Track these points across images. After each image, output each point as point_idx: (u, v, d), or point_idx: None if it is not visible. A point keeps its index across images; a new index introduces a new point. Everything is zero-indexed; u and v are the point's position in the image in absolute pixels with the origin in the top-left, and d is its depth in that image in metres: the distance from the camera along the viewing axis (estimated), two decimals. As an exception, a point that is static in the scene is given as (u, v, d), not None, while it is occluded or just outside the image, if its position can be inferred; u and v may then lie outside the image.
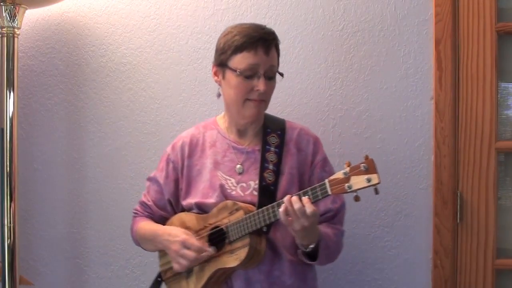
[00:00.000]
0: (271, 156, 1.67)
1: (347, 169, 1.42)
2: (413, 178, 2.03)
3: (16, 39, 1.98)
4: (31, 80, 2.18)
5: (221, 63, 1.65)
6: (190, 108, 2.12)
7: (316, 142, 1.74)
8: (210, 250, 1.59)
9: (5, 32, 1.96)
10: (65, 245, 2.18)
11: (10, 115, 1.97)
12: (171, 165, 1.75)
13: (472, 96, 1.99)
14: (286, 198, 1.48)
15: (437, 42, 2.00)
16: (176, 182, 1.75)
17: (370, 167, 1.40)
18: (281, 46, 2.06)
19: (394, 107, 2.04)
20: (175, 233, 1.65)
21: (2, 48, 1.97)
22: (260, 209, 1.56)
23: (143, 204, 1.80)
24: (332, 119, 2.06)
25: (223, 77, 1.65)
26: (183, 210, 1.74)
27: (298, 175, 1.68)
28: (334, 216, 1.69)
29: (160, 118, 2.13)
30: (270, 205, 1.54)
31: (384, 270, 2.05)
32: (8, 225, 1.95)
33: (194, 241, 1.60)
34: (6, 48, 1.97)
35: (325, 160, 1.74)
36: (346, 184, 1.42)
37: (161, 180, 1.76)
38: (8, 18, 1.95)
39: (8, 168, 1.96)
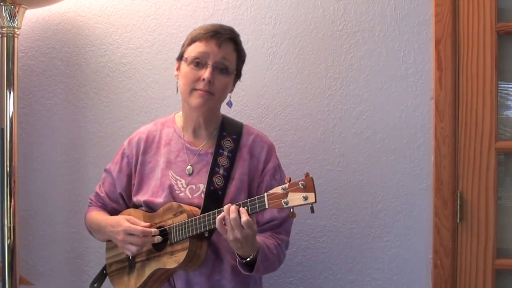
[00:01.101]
0: (223, 161, 1.67)
1: (286, 184, 1.43)
2: (413, 178, 2.03)
3: (16, 39, 1.98)
4: (31, 80, 2.18)
5: (179, 56, 1.69)
6: (190, 108, 2.12)
7: (270, 150, 1.73)
8: (154, 230, 1.60)
9: (5, 32, 1.96)
10: (65, 245, 2.18)
11: (10, 115, 1.97)
12: (125, 160, 1.76)
13: (472, 96, 1.99)
14: (225, 207, 1.47)
15: (437, 42, 1.99)
16: (129, 177, 1.75)
17: (308, 185, 1.40)
18: (281, 46, 2.07)
19: (394, 107, 2.04)
20: (117, 222, 1.65)
21: (2, 48, 1.97)
22: (202, 214, 1.55)
23: (97, 194, 1.82)
24: (332, 119, 2.06)
25: (178, 69, 1.69)
26: (135, 205, 1.75)
27: (248, 181, 1.68)
28: (279, 225, 1.68)
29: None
30: (212, 211, 1.54)
31: (384, 270, 2.05)
32: (8, 225, 1.95)
33: (136, 227, 1.61)
34: (6, 48, 1.97)
35: (276, 169, 1.72)
36: (283, 200, 1.42)
37: (114, 173, 1.77)
38: (8, 18, 1.95)
39: (8, 168, 1.96)
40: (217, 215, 1.50)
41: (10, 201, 1.96)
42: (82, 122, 2.17)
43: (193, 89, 1.63)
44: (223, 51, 1.63)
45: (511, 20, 2.00)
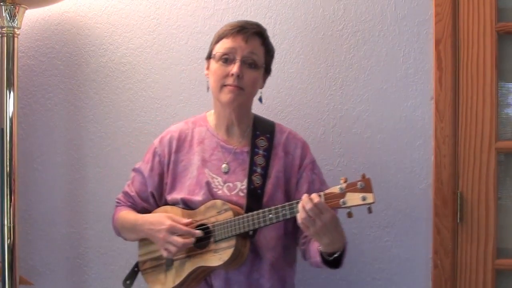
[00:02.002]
0: (260, 159, 1.68)
1: (344, 185, 1.44)
2: (413, 178, 2.03)
3: (16, 39, 1.98)
4: (31, 80, 2.18)
5: (208, 55, 1.71)
6: (190, 108, 2.12)
7: (304, 146, 1.75)
8: (198, 232, 1.59)
9: (5, 32, 1.96)
10: (65, 245, 2.18)
11: (10, 115, 1.97)
12: (157, 158, 1.75)
13: (472, 96, 1.99)
14: (304, 199, 1.45)
15: (437, 42, 1.99)
16: (161, 176, 1.75)
17: (366, 186, 1.43)
18: (281, 46, 2.07)
19: (394, 107, 2.04)
20: (158, 220, 1.64)
21: (2, 48, 1.97)
22: (250, 213, 1.56)
23: (126, 194, 1.80)
24: (332, 119, 2.06)
25: (208, 67, 1.71)
26: (166, 204, 1.74)
27: (284, 178, 1.69)
28: None
29: (160, 118, 2.13)
30: (261, 210, 1.55)
31: (384, 270, 2.05)
32: (8, 225, 1.95)
33: (180, 226, 1.60)
34: (6, 48, 1.97)
35: (313, 163, 1.74)
36: (341, 200, 1.44)
37: (145, 172, 1.76)
38: (8, 18, 1.95)
39: (8, 168, 1.96)
40: (267, 214, 1.52)
41: (10, 201, 1.96)
42: (82, 122, 2.17)
43: (223, 85, 1.64)
44: (250, 46, 1.64)
45: (511, 20, 2.00)
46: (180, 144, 1.74)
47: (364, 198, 1.42)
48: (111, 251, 2.16)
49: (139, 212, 1.77)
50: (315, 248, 1.59)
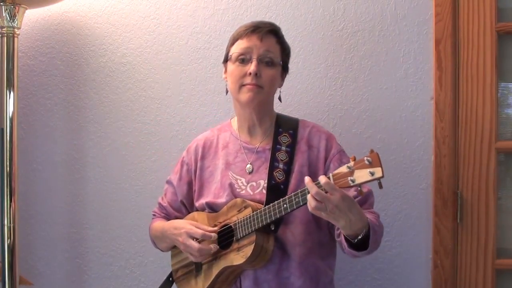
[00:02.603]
0: (282, 155, 1.67)
1: (352, 163, 1.39)
2: (413, 178, 2.03)
3: (16, 39, 1.98)
4: (31, 80, 2.18)
5: (225, 58, 1.71)
6: (190, 108, 2.12)
7: (329, 138, 1.72)
8: (213, 235, 1.60)
9: (5, 32, 1.96)
10: (65, 245, 2.18)
11: (10, 115, 1.97)
12: (185, 167, 1.78)
13: (472, 96, 1.99)
14: (307, 183, 1.40)
15: (437, 42, 1.99)
16: (190, 184, 1.77)
17: (374, 161, 1.35)
18: (281, 46, 2.07)
19: (394, 107, 2.04)
20: (179, 225, 1.67)
21: (2, 48, 1.97)
22: (266, 206, 1.54)
23: (160, 205, 1.84)
24: (332, 119, 2.06)
25: (226, 71, 1.70)
26: (197, 210, 1.75)
27: (309, 172, 1.65)
28: (365, 201, 1.64)
29: (160, 118, 2.13)
30: (276, 202, 1.52)
31: (384, 270, 2.05)
32: (8, 225, 1.95)
33: (197, 229, 1.61)
34: (6, 48, 1.97)
35: (341, 153, 1.70)
36: (350, 178, 1.38)
37: (175, 182, 1.79)
38: (8, 18, 1.95)
39: (8, 168, 1.96)
40: (282, 204, 1.49)
41: (10, 201, 1.96)
42: (82, 122, 2.17)
43: (242, 85, 1.64)
44: (266, 44, 1.65)
45: (511, 20, 2.00)
46: (206, 151, 1.76)
47: (372, 173, 1.35)
48: (111, 251, 2.16)
49: None
50: (342, 233, 1.54)
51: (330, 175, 1.42)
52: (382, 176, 1.35)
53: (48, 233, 2.18)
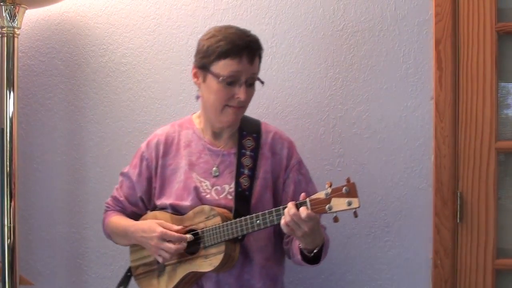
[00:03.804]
0: (247, 161, 1.67)
1: (329, 190, 1.44)
2: (413, 178, 2.03)
3: (16, 39, 1.98)
4: (31, 80, 2.18)
5: (203, 66, 1.62)
6: (190, 108, 2.12)
7: (290, 146, 1.74)
8: (189, 236, 1.60)
9: (5, 32, 1.96)
10: (65, 245, 2.18)
11: (10, 115, 1.97)
12: (144, 163, 1.75)
13: (472, 96, 1.99)
14: (286, 211, 1.47)
15: (437, 42, 1.99)
16: (149, 180, 1.74)
17: (351, 191, 1.43)
18: (281, 46, 2.07)
19: (394, 107, 2.04)
20: (149, 228, 1.63)
21: (2, 48, 1.97)
22: (239, 219, 1.56)
23: (115, 198, 1.80)
24: (332, 119, 2.06)
25: (203, 80, 1.64)
26: (155, 207, 1.74)
27: (272, 179, 1.69)
28: None
29: (160, 118, 2.13)
30: (248, 216, 1.55)
31: (384, 270, 2.05)
32: (8, 225, 1.95)
33: (171, 232, 1.60)
34: (6, 48, 1.97)
35: (300, 164, 1.74)
36: (327, 205, 1.44)
37: (133, 177, 1.75)
38: (8, 18, 1.95)
39: (8, 168, 1.96)
40: (255, 220, 1.53)
41: (10, 201, 1.96)
42: (82, 122, 2.17)
43: (226, 105, 1.61)
44: (254, 67, 1.62)
45: (511, 20, 2.00)
46: (167, 147, 1.73)
47: (349, 203, 1.42)
48: (111, 251, 2.16)
49: (128, 216, 1.77)
50: (296, 246, 1.61)
51: (307, 200, 1.47)
52: (359, 206, 1.42)
53: (48, 233, 2.18)
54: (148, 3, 2.14)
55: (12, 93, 1.97)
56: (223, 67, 1.58)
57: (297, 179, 1.71)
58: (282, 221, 1.47)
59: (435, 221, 2.00)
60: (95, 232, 2.16)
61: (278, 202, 1.71)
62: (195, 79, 1.67)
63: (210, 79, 1.61)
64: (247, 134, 1.71)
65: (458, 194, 1.99)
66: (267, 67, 2.07)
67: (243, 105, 1.64)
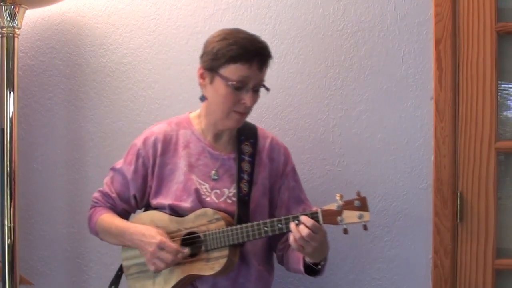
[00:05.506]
0: (246, 166, 1.67)
1: (341, 202, 1.47)
2: (413, 178, 2.03)
3: (16, 39, 1.98)
4: (31, 80, 2.18)
5: (211, 68, 1.60)
6: (190, 108, 2.11)
7: (286, 153, 1.75)
8: (186, 251, 1.58)
9: (5, 32, 1.96)
10: (65, 245, 2.18)
11: (10, 115, 1.97)
12: (140, 160, 1.71)
13: (472, 96, 1.99)
14: (293, 227, 1.48)
15: (437, 42, 1.99)
16: (145, 178, 1.71)
17: (363, 205, 1.48)
18: (281, 46, 2.08)
19: (394, 107, 2.04)
20: (149, 233, 1.60)
21: (2, 48, 1.97)
22: (245, 225, 1.56)
23: (105, 194, 1.76)
24: (332, 119, 2.06)
25: (210, 82, 1.62)
26: (148, 206, 1.72)
27: (269, 185, 1.70)
28: None
29: (160, 118, 2.12)
30: (255, 222, 1.55)
31: (384, 270, 2.05)
32: (8, 225, 1.95)
33: (170, 243, 1.58)
34: (6, 48, 1.97)
35: (294, 170, 1.76)
36: (339, 217, 1.48)
37: (128, 174, 1.72)
38: (8, 18, 1.95)
39: (8, 168, 1.96)
40: (262, 227, 1.53)
41: (10, 201, 1.96)
42: (82, 122, 2.17)
43: (232, 110, 1.61)
44: (263, 74, 1.61)
45: (511, 20, 2.00)
46: (165, 146, 1.70)
47: (361, 216, 1.47)
48: (111, 251, 2.15)
49: (118, 214, 1.73)
50: (297, 256, 1.61)
51: (319, 210, 1.49)
52: (369, 220, 1.47)
53: (48, 233, 2.18)
54: (148, 3, 2.14)
55: (12, 93, 1.97)
56: (232, 71, 1.57)
57: (291, 185, 1.73)
58: (291, 238, 1.47)
59: (435, 221, 2.00)
60: (95, 232, 2.16)
61: (273, 207, 1.72)
62: (201, 80, 1.65)
63: (218, 82, 1.60)
64: (245, 139, 1.70)
65: (458, 194, 1.99)
66: (267, 67, 2.08)
67: (248, 111, 1.64)
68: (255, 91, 1.62)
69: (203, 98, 1.67)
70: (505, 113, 2.05)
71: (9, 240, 1.95)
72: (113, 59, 2.16)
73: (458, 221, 1.99)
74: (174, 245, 1.57)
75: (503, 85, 2.04)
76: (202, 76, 1.65)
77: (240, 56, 1.56)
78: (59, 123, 2.18)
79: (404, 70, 2.03)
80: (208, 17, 2.11)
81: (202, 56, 1.64)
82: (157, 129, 1.74)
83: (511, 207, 2.05)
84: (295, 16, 2.08)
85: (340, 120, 2.06)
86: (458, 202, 1.99)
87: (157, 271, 1.61)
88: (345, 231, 1.49)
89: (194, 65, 2.10)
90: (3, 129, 1.96)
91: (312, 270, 1.59)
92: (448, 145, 1.99)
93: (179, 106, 2.13)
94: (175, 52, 2.13)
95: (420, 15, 2.02)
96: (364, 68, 2.05)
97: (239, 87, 1.58)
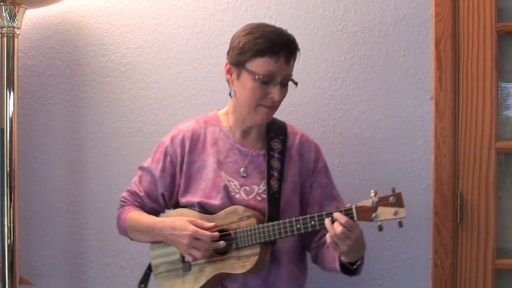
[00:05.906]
0: (275, 163, 1.65)
1: (375, 198, 1.45)
2: (413, 178, 2.03)
3: (16, 39, 1.98)
4: (31, 80, 2.18)
5: (237, 63, 1.59)
6: (190, 108, 2.12)
7: (317, 149, 1.74)
8: (222, 243, 1.57)
9: (5, 32, 1.96)
10: (65, 245, 2.18)
11: (10, 115, 1.97)
12: (168, 158, 1.70)
13: (472, 96, 1.99)
14: (328, 225, 1.46)
15: (437, 42, 2.00)
16: (173, 176, 1.70)
17: (398, 201, 1.45)
18: (281, 46, 2.07)
19: (394, 107, 2.04)
20: (180, 225, 1.58)
21: (2, 48, 1.97)
22: (276, 222, 1.54)
23: (133, 193, 1.74)
24: (332, 119, 2.06)
25: (237, 77, 1.60)
26: (177, 204, 1.71)
27: (299, 182, 1.68)
28: None
29: (160, 118, 2.13)
30: (287, 220, 1.53)
31: (384, 270, 2.05)
32: (8, 225, 1.95)
33: (204, 232, 1.56)
34: (6, 48, 1.97)
35: (326, 167, 1.74)
36: (373, 214, 1.46)
37: (156, 172, 1.70)
38: (8, 18, 1.95)
39: (8, 168, 1.96)
40: (295, 224, 1.52)
41: (10, 201, 1.96)
42: (82, 122, 2.17)
43: (259, 105, 1.60)
44: (290, 67, 1.60)
45: (511, 20, 2.01)
46: (193, 144, 1.69)
47: (396, 213, 1.44)
48: (111, 251, 2.16)
49: (148, 213, 1.72)
50: (332, 255, 1.59)
51: (353, 207, 1.47)
52: (405, 217, 1.44)
53: (48, 233, 2.18)
54: (148, 3, 2.14)
55: (12, 93, 1.97)
56: (259, 65, 1.55)
57: (324, 182, 1.70)
58: (328, 238, 1.46)
59: (435, 221, 2.00)
60: (95, 232, 2.16)
61: (304, 205, 1.70)
62: (228, 76, 1.63)
63: (245, 76, 1.58)
64: (274, 136, 1.69)
65: (458, 194, 1.99)
66: (267, 67, 2.07)
67: (276, 105, 1.63)
68: (283, 85, 1.60)
69: (232, 94, 1.65)
70: (505, 113, 2.05)
71: (9, 240, 1.95)
72: (113, 59, 2.16)
73: (458, 221, 1.99)
74: (207, 233, 1.56)
75: (503, 85, 2.04)
76: (229, 72, 1.63)
77: (267, 49, 1.54)
78: (59, 123, 2.18)
79: (404, 70, 2.03)
80: (208, 17, 2.11)
81: (228, 52, 1.63)
82: (186, 126, 1.73)
83: (511, 207, 2.05)
84: (295, 16, 2.08)
85: (340, 120, 2.06)
86: (458, 202, 1.99)
87: (195, 261, 1.60)
88: (380, 228, 1.46)
89: (194, 65, 2.13)
90: (3, 129, 1.96)
91: (348, 269, 1.57)
92: (448, 145, 1.99)
93: (179, 106, 2.13)
94: (175, 52, 2.13)
95: (420, 15, 2.02)
96: (364, 68, 2.05)
97: (266, 81, 1.56)
